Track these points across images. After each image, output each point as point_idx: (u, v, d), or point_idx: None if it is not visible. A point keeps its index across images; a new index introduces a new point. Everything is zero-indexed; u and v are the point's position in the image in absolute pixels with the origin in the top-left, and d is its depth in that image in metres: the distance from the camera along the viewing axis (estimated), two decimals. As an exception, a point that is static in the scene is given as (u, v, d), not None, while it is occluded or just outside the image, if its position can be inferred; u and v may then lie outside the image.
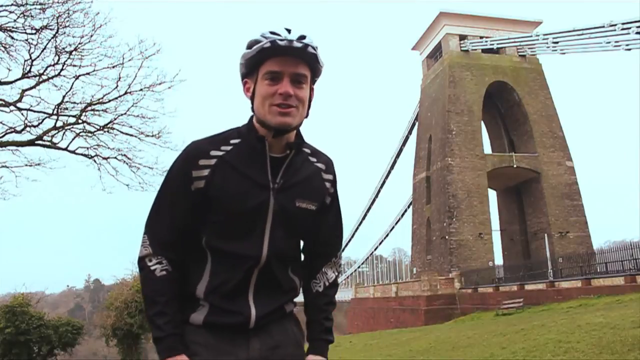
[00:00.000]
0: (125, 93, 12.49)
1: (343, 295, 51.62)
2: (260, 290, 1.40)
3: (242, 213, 1.37)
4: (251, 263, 1.38)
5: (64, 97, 12.10)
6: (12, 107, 11.86)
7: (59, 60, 11.59)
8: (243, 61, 1.40)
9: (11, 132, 12.02)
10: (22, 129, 12.11)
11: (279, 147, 1.41)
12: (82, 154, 12.91)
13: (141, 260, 1.40)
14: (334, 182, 1.54)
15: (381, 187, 48.75)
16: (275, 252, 1.40)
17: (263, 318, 1.39)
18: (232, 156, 1.39)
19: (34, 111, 12.12)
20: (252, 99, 1.41)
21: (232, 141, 1.41)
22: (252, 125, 1.42)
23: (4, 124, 12.01)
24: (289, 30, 1.35)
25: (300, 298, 1.59)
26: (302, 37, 1.34)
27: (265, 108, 1.37)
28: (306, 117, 1.43)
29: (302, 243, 1.55)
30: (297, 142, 1.43)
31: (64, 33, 11.20)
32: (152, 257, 1.39)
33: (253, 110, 1.42)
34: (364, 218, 52.80)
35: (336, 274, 1.60)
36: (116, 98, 12.51)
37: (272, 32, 1.34)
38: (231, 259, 1.38)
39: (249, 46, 1.37)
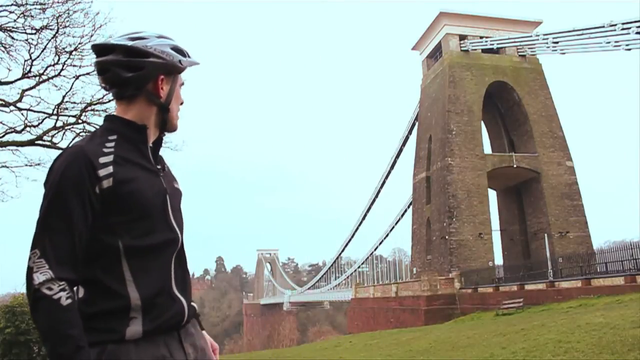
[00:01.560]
0: (125, 93, 12.51)
1: (343, 295, 51.61)
2: (177, 279, 1.40)
3: (152, 202, 1.38)
4: (173, 248, 1.40)
5: (64, 97, 12.11)
6: (12, 107, 11.86)
7: (59, 60, 11.60)
8: (168, 61, 1.43)
9: (11, 132, 12.03)
10: (22, 129, 12.12)
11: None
12: (82, 154, 12.92)
13: (38, 290, 1.19)
14: None
15: (381, 187, 48.76)
16: (181, 231, 1.45)
17: (189, 308, 1.41)
18: (121, 150, 1.37)
19: (34, 111, 12.13)
20: (164, 96, 1.45)
21: (109, 137, 1.39)
22: (125, 119, 1.43)
23: (4, 124, 12.02)
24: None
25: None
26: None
27: (175, 110, 1.49)
28: None
29: None
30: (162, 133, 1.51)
31: (64, 33, 11.21)
32: (53, 284, 1.20)
33: (159, 106, 1.45)
34: (364, 218, 52.86)
35: None
36: (116, 98, 12.53)
37: (183, 50, 1.48)
38: (153, 253, 1.35)
39: (181, 53, 1.47)
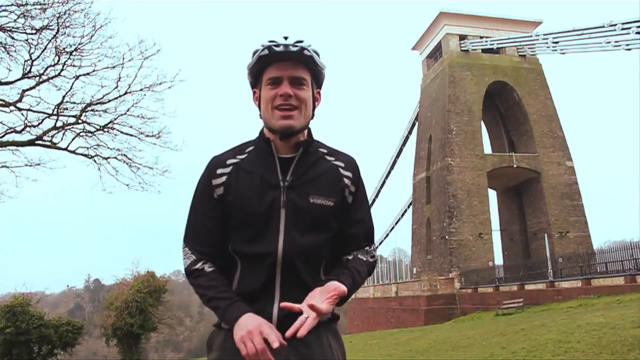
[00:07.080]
0: (125, 93, 12.51)
1: (343, 295, 51.50)
2: (287, 292, 1.39)
3: (256, 212, 1.41)
4: (270, 261, 1.39)
5: (64, 97, 12.11)
6: (12, 107, 11.86)
7: (59, 60, 11.59)
8: (247, 71, 1.48)
9: (11, 132, 12.04)
10: (22, 129, 12.12)
11: (289, 148, 1.46)
12: (82, 154, 12.92)
13: (188, 270, 1.46)
14: (354, 180, 1.52)
15: (381, 187, 48.75)
16: (293, 248, 1.39)
17: (286, 318, 1.33)
18: (246, 162, 1.47)
19: (34, 111, 12.13)
20: (259, 106, 1.47)
21: (247, 149, 1.50)
22: (262, 130, 1.50)
23: (4, 124, 12.03)
24: (285, 38, 1.41)
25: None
26: (299, 42, 1.41)
27: (269, 112, 1.43)
28: (312, 118, 1.48)
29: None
30: (306, 141, 1.47)
31: (64, 33, 11.21)
32: (198, 262, 1.44)
33: (261, 117, 1.48)
34: (364, 218, 52.70)
35: (367, 258, 1.53)
36: (116, 98, 12.53)
37: (270, 41, 1.41)
38: (253, 261, 1.42)
39: (252, 56, 1.46)
